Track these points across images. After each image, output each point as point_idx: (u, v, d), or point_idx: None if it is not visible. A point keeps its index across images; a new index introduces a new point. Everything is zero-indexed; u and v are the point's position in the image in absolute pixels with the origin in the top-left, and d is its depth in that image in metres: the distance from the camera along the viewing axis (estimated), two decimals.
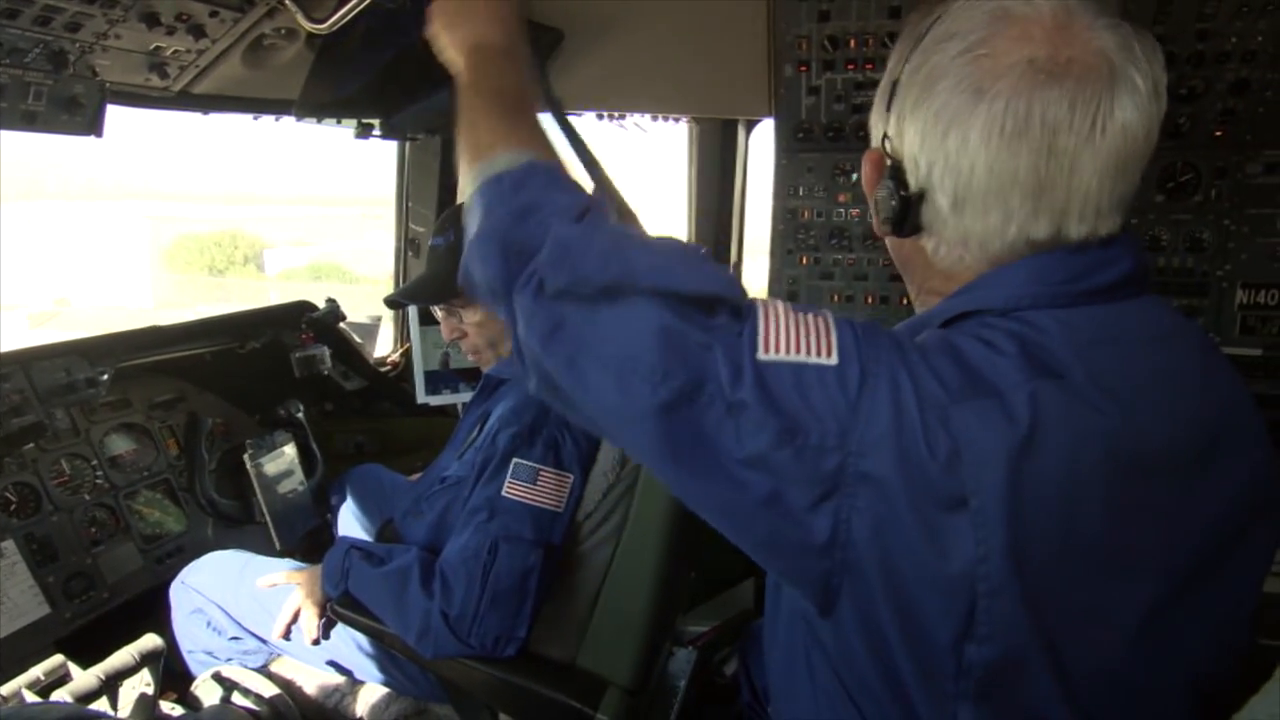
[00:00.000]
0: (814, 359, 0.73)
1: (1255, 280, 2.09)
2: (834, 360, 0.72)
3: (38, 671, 1.51)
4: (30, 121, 1.55)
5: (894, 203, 0.83)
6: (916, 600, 0.71)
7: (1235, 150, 2.06)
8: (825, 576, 0.74)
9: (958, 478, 0.69)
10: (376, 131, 2.33)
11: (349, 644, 1.77)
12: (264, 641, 1.85)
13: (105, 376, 2.04)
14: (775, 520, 0.74)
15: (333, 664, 1.80)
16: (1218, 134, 2.05)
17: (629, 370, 0.75)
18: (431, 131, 2.67)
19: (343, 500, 2.39)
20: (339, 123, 2.28)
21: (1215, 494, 0.78)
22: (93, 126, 1.65)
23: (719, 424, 0.73)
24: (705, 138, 2.72)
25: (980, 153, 0.76)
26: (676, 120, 2.66)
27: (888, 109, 0.84)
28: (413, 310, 2.89)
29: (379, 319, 2.96)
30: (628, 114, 2.56)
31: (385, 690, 1.78)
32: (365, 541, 1.76)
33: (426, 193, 2.95)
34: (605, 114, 2.56)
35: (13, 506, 1.94)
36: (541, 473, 1.57)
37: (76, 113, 1.60)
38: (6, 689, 1.46)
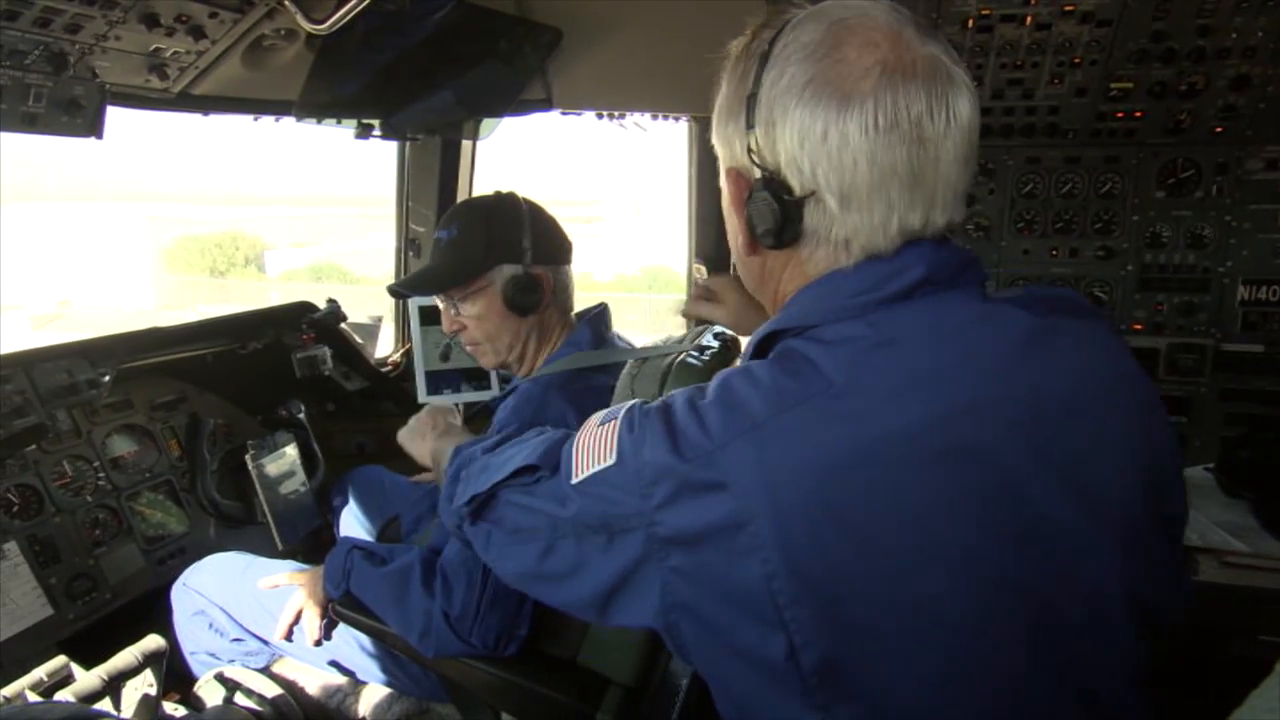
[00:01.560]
0: (602, 465, 0.86)
1: (1256, 276, 2.09)
2: (613, 459, 0.85)
3: (41, 672, 1.52)
4: (30, 123, 1.55)
5: (774, 212, 0.86)
6: (742, 628, 0.80)
7: (1236, 146, 2.06)
8: (670, 632, 0.85)
9: (734, 509, 0.77)
10: (376, 132, 2.32)
11: (351, 644, 1.77)
12: (266, 643, 1.86)
13: (107, 378, 2.04)
14: (622, 597, 0.87)
15: (335, 664, 1.80)
16: (1218, 130, 2.05)
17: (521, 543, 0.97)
18: (431, 131, 2.67)
19: (344, 501, 2.39)
20: (339, 123, 2.28)
21: (1040, 475, 0.79)
22: (93, 128, 1.65)
23: (578, 547, 0.89)
24: (705, 136, 2.71)
25: (862, 147, 0.81)
26: (676, 119, 2.66)
27: (747, 125, 0.87)
28: (414, 310, 2.88)
29: (380, 319, 2.96)
30: (627, 113, 2.56)
31: (388, 690, 1.78)
32: (367, 542, 1.75)
33: (427, 193, 2.95)
34: (604, 113, 2.56)
35: (15, 508, 1.94)
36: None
37: (77, 114, 1.60)
38: (9, 690, 1.46)
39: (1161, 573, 0.87)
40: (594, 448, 0.88)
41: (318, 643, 1.76)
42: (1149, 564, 0.84)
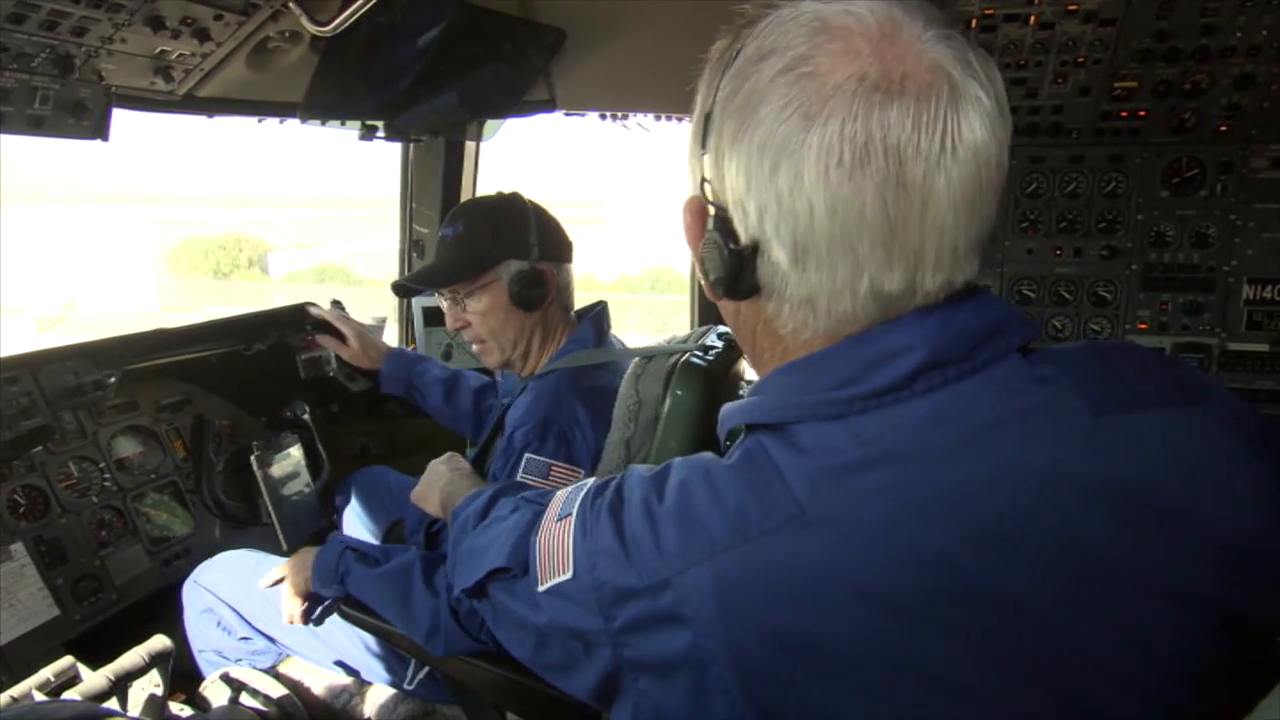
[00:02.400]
0: (561, 577, 0.78)
1: (1261, 275, 2.09)
2: (569, 572, 0.77)
3: (48, 673, 1.52)
4: (36, 126, 1.55)
5: (723, 260, 0.70)
6: None
7: (1241, 145, 2.06)
8: None
9: (694, 647, 0.68)
10: (380, 133, 2.33)
11: (357, 644, 1.77)
12: (273, 641, 1.86)
13: (113, 379, 2.05)
14: (613, 699, 0.78)
15: (341, 664, 1.81)
16: (1223, 129, 2.04)
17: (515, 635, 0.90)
18: (435, 133, 2.67)
19: (347, 502, 2.39)
20: (343, 125, 2.29)
21: (1080, 626, 0.63)
22: (99, 130, 1.66)
23: (563, 648, 0.81)
24: None
25: (819, 190, 0.63)
26: (679, 120, 2.66)
27: (702, 147, 0.72)
28: (417, 311, 2.89)
29: (384, 320, 2.96)
30: (630, 114, 2.56)
31: (393, 691, 1.79)
32: (360, 541, 1.73)
33: (431, 194, 2.96)
34: (608, 114, 2.56)
35: (22, 509, 1.95)
36: (553, 467, 1.61)
37: (82, 117, 1.61)
38: (17, 690, 1.47)
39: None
40: (553, 553, 0.80)
41: (291, 624, 1.75)
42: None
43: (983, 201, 0.66)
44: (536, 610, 0.82)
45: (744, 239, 0.69)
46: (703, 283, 0.78)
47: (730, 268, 0.71)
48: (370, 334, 2.81)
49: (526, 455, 1.61)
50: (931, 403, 0.66)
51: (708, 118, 0.71)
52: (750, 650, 0.66)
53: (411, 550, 1.63)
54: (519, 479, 1.59)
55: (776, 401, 0.72)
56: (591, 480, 0.85)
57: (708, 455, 0.77)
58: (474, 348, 1.86)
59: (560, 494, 0.87)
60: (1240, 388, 2.13)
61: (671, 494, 0.73)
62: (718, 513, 0.69)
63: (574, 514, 0.80)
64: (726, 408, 0.81)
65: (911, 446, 0.65)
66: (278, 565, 1.93)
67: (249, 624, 1.88)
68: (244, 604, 1.88)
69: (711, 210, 0.72)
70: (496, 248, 1.74)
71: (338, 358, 2.31)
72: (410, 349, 2.99)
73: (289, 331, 2.51)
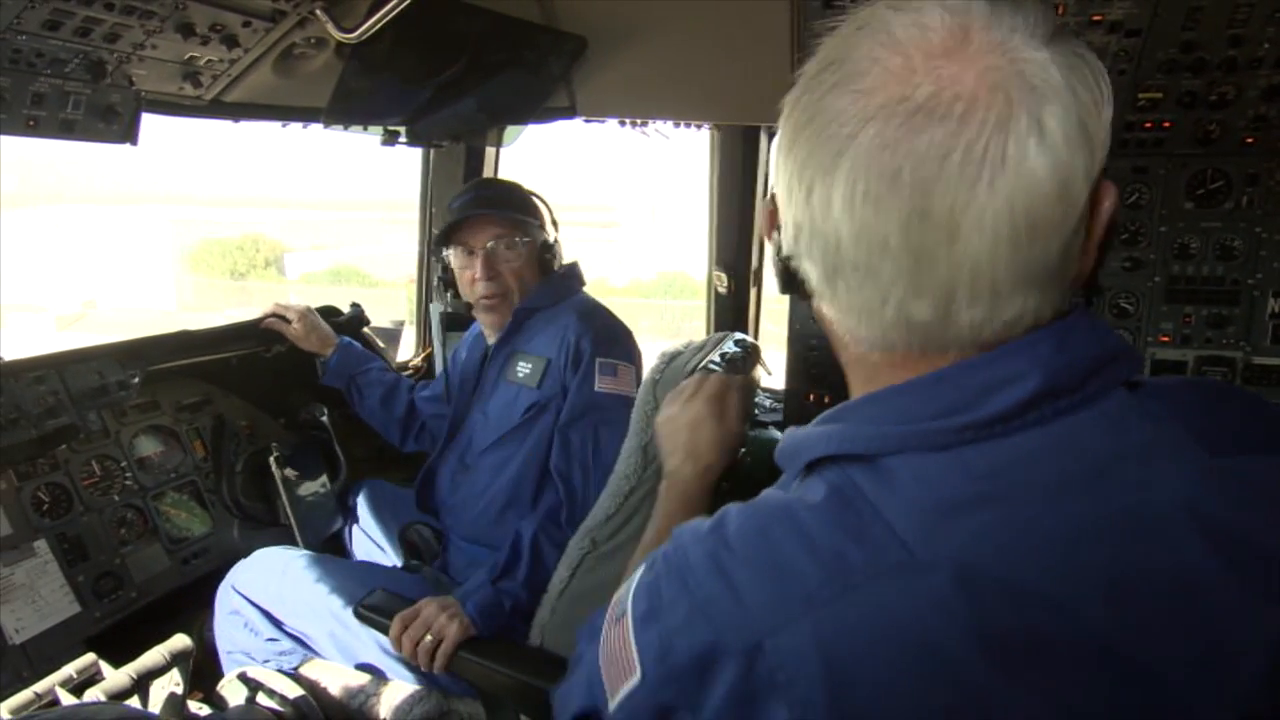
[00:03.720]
0: (628, 685, 0.69)
1: None
2: (637, 675, 0.68)
3: (70, 670, 1.54)
4: (68, 130, 1.58)
5: (781, 268, 0.71)
6: None
7: (1267, 157, 2.03)
8: None
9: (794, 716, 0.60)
10: (402, 139, 2.35)
11: (374, 646, 1.78)
12: (299, 642, 1.87)
13: (136, 379, 2.08)
14: None
15: (360, 666, 1.82)
16: (1249, 140, 2.02)
17: None
18: (456, 139, 2.69)
19: (348, 521, 2.40)
20: (366, 130, 2.31)
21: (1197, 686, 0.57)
22: (128, 135, 1.69)
23: None
24: (726, 144, 2.72)
25: (844, 218, 0.61)
26: (699, 127, 2.66)
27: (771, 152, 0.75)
28: (435, 315, 2.91)
29: (402, 324, 2.99)
30: (650, 120, 2.57)
31: (410, 690, 1.79)
32: (480, 575, 1.79)
33: (450, 198, 2.98)
34: (628, 121, 2.57)
35: (45, 506, 1.98)
36: (619, 366, 1.88)
37: (113, 121, 1.64)
38: (40, 686, 1.49)
39: None
40: (616, 659, 0.71)
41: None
42: None
43: (1034, 234, 0.59)
44: None
45: (785, 250, 0.70)
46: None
47: (783, 272, 0.72)
48: (385, 334, 2.83)
49: (598, 359, 1.87)
50: (1044, 435, 0.61)
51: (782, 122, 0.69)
52: (858, 706, 0.59)
53: (516, 533, 1.80)
54: (597, 381, 1.85)
55: (870, 430, 0.66)
56: (639, 571, 0.75)
57: (779, 494, 0.70)
58: (490, 304, 1.99)
59: (615, 596, 0.77)
60: None
61: (744, 540, 0.65)
62: (810, 559, 0.61)
63: (628, 607, 0.71)
64: (797, 435, 0.73)
65: (1026, 481, 0.60)
66: (310, 559, 1.95)
67: (276, 625, 1.89)
68: (277, 603, 1.89)
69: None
70: (535, 214, 2.04)
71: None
72: (426, 352, 3.01)
73: None
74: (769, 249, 0.75)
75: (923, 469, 0.62)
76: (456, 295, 2.10)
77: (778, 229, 0.71)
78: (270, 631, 1.89)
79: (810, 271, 0.67)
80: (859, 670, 0.58)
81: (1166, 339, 2.17)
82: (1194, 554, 0.58)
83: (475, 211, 2.00)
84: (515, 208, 2.01)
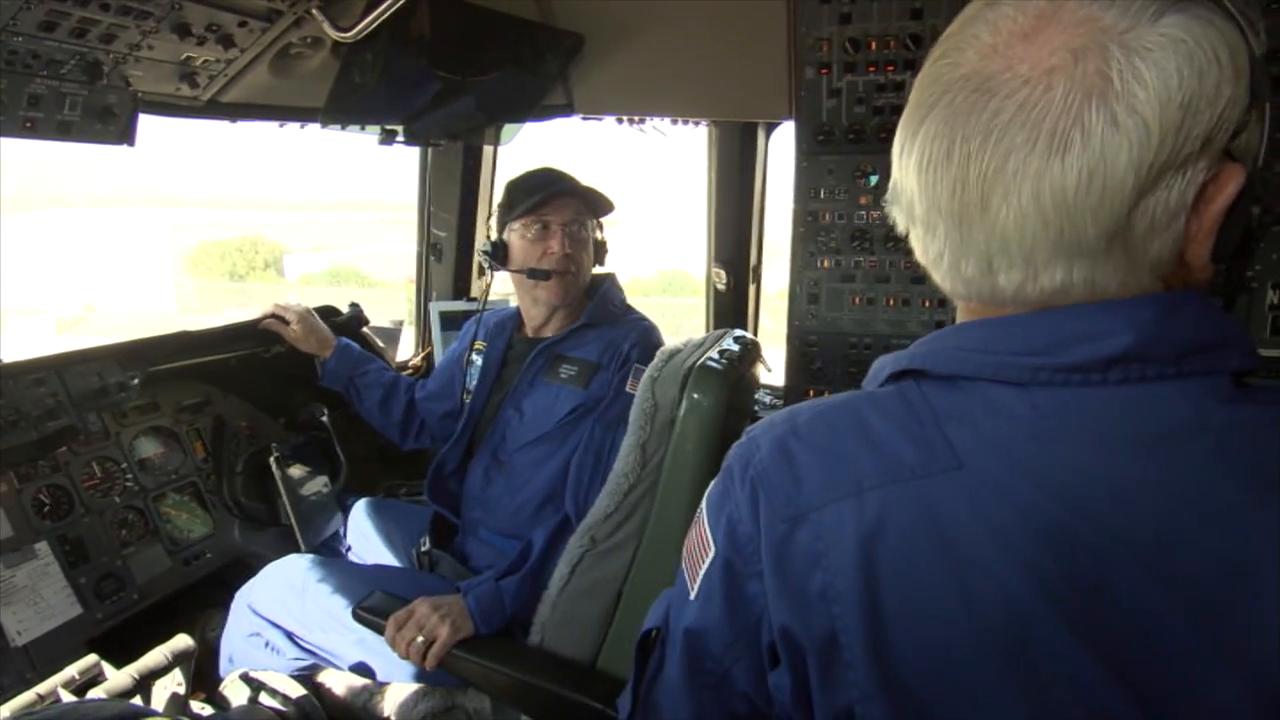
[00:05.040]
0: (705, 563, 0.77)
1: None
2: (712, 551, 0.76)
3: (73, 670, 1.54)
4: (65, 131, 1.58)
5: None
6: None
7: (1266, 149, 2.03)
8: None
9: (829, 584, 0.67)
10: (400, 138, 2.35)
11: (377, 645, 1.78)
12: (326, 656, 1.86)
13: (136, 381, 2.08)
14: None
15: (362, 665, 1.82)
16: None
17: None
18: (454, 137, 2.69)
19: (342, 539, 2.40)
20: (363, 129, 2.31)
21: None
22: (125, 136, 1.69)
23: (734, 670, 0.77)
24: (724, 141, 2.72)
25: (914, 180, 0.69)
26: (696, 124, 2.66)
27: None
28: (435, 314, 2.91)
29: (401, 323, 2.99)
30: (648, 118, 2.57)
31: (413, 689, 1.80)
32: (486, 572, 1.83)
33: (448, 198, 2.98)
34: (625, 118, 2.57)
35: (46, 508, 1.98)
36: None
37: (110, 122, 1.64)
38: (43, 687, 1.49)
39: None
40: (694, 552, 0.80)
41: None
42: None
43: (1064, 213, 0.61)
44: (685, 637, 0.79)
45: (888, 197, 0.76)
46: None
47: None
48: (385, 334, 2.83)
49: (635, 365, 1.95)
50: (1121, 394, 0.63)
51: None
52: (883, 594, 0.64)
53: (528, 539, 1.84)
54: (626, 388, 1.93)
55: (953, 354, 0.70)
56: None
57: (854, 394, 0.75)
58: (563, 277, 2.06)
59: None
60: None
61: (811, 430, 0.73)
62: (867, 452, 0.68)
63: (703, 506, 0.80)
64: (885, 358, 0.78)
65: (1087, 432, 0.62)
66: (326, 565, 1.95)
67: (299, 644, 1.88)
68: (296, 624, 1.88)
69: None
70: (603, 210, 2.16)
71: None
72: (426, 351, 3.01)
73: None
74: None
75: (991, 397, 0.66)
76: (500, 266, 2.12)
77: None
78: (294, 651, 1.88)
79: (899, 220, 0.75)
80: (891, 555, 0.64)
81: None
82: (1253, 541, 0.57)
83: (561, 187, 2.06)
84: (589, 197, 2.11)
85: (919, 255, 0.75)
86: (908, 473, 0.66)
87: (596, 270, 2.19)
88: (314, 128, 2.17)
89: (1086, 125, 0.59)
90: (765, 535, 0.70)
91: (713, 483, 0.81)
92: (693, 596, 0.78)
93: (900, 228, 0.76)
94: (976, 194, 0.64)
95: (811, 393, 2.34)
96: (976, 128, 0.62)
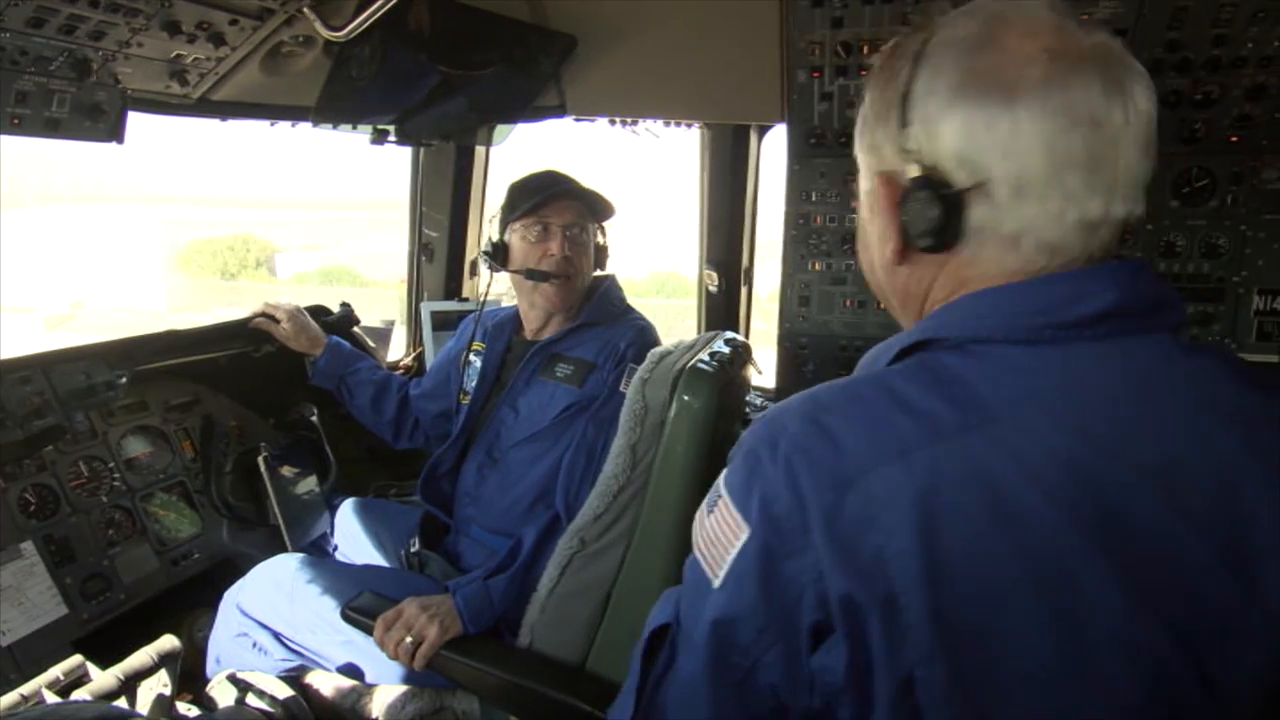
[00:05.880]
0: (737, 544, 0.76)
1: (1272, 286, 2.08)
2: (746, 531, 0.75)
3: (57, 671, 1.53)
4: (54, 128, 1.57)
5: (935, 211, 0.80)
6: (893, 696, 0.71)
7: (1251, 156, 2.05)
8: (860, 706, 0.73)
9: (883, 548, 0.69)
10: (392, 137, 2.35)
11: (366, 646, 1.77)
12: (314, 657, 1.85)
13: (124, 380, 2.06)
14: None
15: (350, 666, 1.81)
16: (1233, 139, 2.03)
17: None
18: (446, 138, 2.68)
19: (329, 539, 2.38)
20: (355, 128, 2.30)
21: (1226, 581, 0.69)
22: (114, 133, 1.68)
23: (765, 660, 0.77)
24: (717, 143, 2.72)
25: (1036, 134, 0.75)
26: (689, 126, 2.67)
27: (902, 124, 0.82)
28: (426, 314, 2.91)
29: (392, 323, 2.98)
30: (640, 119, 2.57)
31: (401, 690, 1.79)
32: (475, 571, 1.83)
33: (440, 198, 2.97)
34: (618, 119, 2.57)
35: (32, 508, 1.96)
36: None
37: (99, 120, 1.63)
38: (27, 688, 1.48)
39: None
40: (718, 538, 0.78)
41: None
42: None
43: (1151, 147, 0.77)
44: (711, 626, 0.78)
45: (966, 183, 0.78)
46: (889, 250, 0.86)
47: (940, 218, 0.79)
48: (376, 333, 2.82)
49: (630, 365, 1.93)
50: (1106, 347, 0.75)
51: (905, 98, 0.81)
52: (939, 549, 0.68)
53: (519, 536, 1.85)
54: (620, 387, 1.91)
55: (962, 320, 0.79)
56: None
57: (869, 373, 0.81)
58: (562, 280, 2.06)
59: (700, 513, 0.84)
60: None
61: (840, 402, 0.76)
62: (904, 415, 0.72)
63: (722, 489, 0.79)
64: (878, 345, 0.86)
65: (1089, 380, 0.73)
66: (313, 564, 1.94)
67: (286, 644, 1.87)
68: (284, 624, 1.87)
69: (912, 173, 0.81)
70: (605, 214, 2.17)
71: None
72: (417, 351, 3.00)
73: None
74: (896, 220, 0.84)
75: (1006, 356, 0.75)
76: (500, 267, 2.12)
77: (924, 184, 0.81)
78: (281, 652, 1.87)
79: (1000, 192, 0.77)
80: (945, 511, 0.68)
81: None
82: (1240, 460, 0.71)
83: (562, 188, 2.07)
84: (591, 201, 2.12)
85: (1007, 225, 0.78)
86: (950, 430, 0.71)
87: (596, 274, 2.19)
88: (305, 127, 2.16)
89: (1146, 77, 0.77)
90: (813, 507, 0.71)
91: (729, 470, 0.80)
92: (717, 585, 0.77)
93: (1003, 202, 0.78)
94: (1112, 133, 0.75)
95: None
96: (1086, 82, 0.74)
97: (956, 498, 0.69)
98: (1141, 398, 0.73)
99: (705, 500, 0.83)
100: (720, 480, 0.81)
